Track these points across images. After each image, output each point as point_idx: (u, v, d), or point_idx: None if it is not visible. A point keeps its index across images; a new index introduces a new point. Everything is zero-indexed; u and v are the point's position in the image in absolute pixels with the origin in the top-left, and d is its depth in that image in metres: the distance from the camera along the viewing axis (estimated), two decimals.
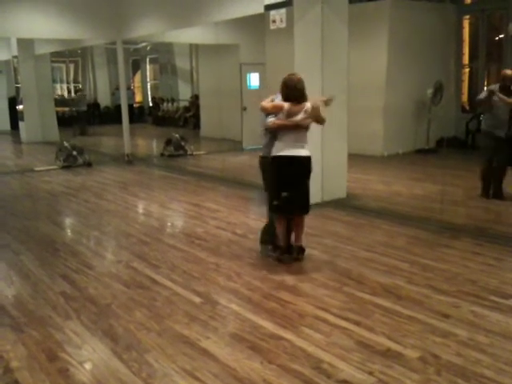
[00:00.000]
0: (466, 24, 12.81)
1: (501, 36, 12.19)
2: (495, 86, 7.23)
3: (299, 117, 4.84)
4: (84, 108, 18.90)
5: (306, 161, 4.93)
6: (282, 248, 5.07)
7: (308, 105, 4.89)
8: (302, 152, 4.89)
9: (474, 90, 13.01)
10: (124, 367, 3.22)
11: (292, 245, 5.12)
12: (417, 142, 11.96)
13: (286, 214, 5.01)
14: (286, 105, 4.86)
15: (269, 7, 7.05)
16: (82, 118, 18.58)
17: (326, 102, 5.21)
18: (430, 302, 4.02)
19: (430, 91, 11.55)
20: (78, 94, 21.00)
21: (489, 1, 12.13)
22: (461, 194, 7.82)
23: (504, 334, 3.48)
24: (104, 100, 23.89)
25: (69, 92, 24.71)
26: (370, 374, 3.04)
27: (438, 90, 11.66)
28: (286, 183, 4.88)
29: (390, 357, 3.23)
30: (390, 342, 3.40)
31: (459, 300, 4.05)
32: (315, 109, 4.92)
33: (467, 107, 13.11)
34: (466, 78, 13.01)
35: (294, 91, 4.89)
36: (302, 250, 5.13)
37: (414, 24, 11.46)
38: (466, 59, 12.89)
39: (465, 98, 13.23)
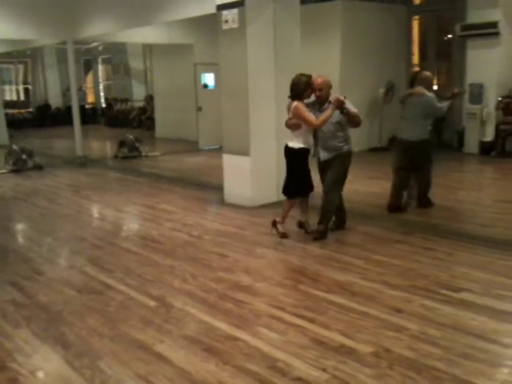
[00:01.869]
0: (416, 24, 13.11)
1: (449, 36, 12.53)
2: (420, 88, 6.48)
3: (289, 115, 5.53)
4: None
5: (288, 150, 5.62)
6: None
7: (293, 104, 5.44)
8: (289, 143, 5.62)
9: None
10: (76, 375, 3.15)
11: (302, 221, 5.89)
12: (370, 140, 12.15)
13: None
14: (288, 102, 5.57)
15: (221, 7, 7.03)
16: None
17: (337, 103, 5.32)
18: (384, 298, 4.09)
19: (381, 91, 11.77)
20: None
21: (438, 2, 12.46)
22: (414, 191, 7.98)
23: (455, 327, 3.57)
24: (55, 101, 23.30)
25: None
26: (324, 370, 3.07)
27: (390, 89, 11.89)
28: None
29: (343, 353, 3.26)
30: (344, 338, 3.44)
31: (411, 294, 4.13)
32: (293, 109, 5.43)
33: None
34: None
35: None
36: (272, 224, 5.78)
37: (366, 25, 11.62)
38: (416, 59, 13.18)
39: None
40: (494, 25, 10.26)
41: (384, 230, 5.97)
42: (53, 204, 8.00)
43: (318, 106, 5.53)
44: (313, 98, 5.57)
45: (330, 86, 5.54)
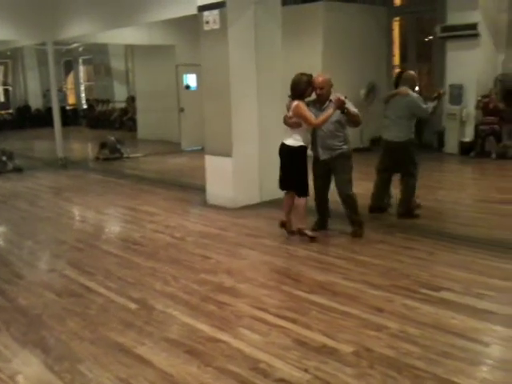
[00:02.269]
0: (396, 26, 13.21)
1: (430, 37, 12.65)
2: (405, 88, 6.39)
3: (289, 113, 5.49)
4: None
5: (288, 148, 5.52)
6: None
7: (294, 103, 5.42)
8: (287, 141, 5.54)
9: None
10: (56, 379, 3.12)
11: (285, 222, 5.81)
12: (352, 141, 12.09)
13: (280, 188, 5.76)
14: (288, 100, 5.57)
15: (202, 8, 7.01)
16: None
17: (338, 103, 5.36)
18: (365, 297, 4.11)
19: (362, 92, 11.83)
20: None
21: (418, 3, 12.57)
22: (395, 191, 8.04)
23: (434, 326, 3.60)
24: (35, 102, 23.05)
25: None
26: (306, 371, 3.07)
27: (371, 90, 11.96)
28: (280, 163, 5.66)
29: (325, 353, 3.27)
30: (326, 338, 3.45)
31: (392, 294, 4.15)
32: (294, 108, 5.41)
33: None
34: None
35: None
36: (300, 233, 5.61)
37: (348, 26, 11.68)
38: (396, 60, 13.29)
39: None
40: (474, 26, 10.40)
41: (366, 230, 5.98)
42: (33, 206, 7.91)
43: (319, 104, 5.57)
44: (313, 96, 5.60)
45: (330, 85, 5.59)
